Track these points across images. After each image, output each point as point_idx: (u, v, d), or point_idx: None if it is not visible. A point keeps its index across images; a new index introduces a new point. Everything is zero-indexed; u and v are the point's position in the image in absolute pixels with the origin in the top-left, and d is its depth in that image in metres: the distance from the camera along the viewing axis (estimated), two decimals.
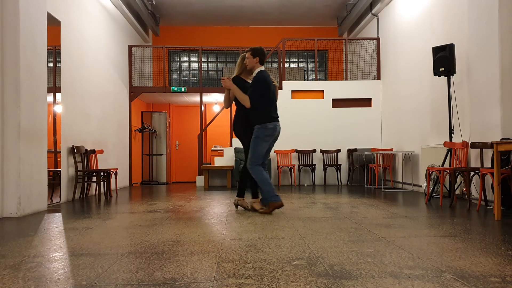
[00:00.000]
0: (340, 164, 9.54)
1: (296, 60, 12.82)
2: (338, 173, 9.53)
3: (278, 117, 4.81)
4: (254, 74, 4.79)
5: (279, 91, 9.69)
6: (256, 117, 4.70)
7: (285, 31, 12.47)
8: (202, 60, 12.44)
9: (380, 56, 9.76)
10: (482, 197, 4.85)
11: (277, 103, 4.96)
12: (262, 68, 4.79)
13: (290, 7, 11.05)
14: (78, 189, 6.80)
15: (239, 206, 5.09)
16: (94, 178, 7.00)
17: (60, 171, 6.38)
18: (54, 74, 6.40)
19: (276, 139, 4.87)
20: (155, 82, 11.55)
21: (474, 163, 5.60)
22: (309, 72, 12.64)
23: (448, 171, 5.36)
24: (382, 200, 5.94)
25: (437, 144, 6.63)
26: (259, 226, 3.77)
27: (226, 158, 9.75)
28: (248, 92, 4.71)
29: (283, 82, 9.82)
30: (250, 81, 4.86)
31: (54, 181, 6.26)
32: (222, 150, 10.34)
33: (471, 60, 5.54)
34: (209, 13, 11.40)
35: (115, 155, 9.08)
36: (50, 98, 6.06)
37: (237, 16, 11.67)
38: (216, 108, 12.38)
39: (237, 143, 9.72)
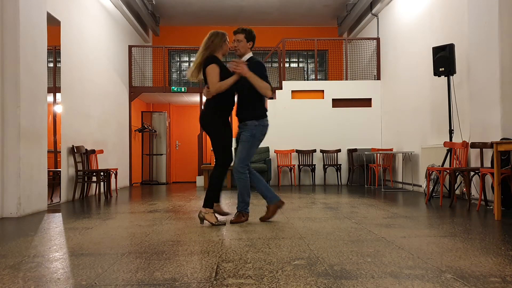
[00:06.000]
0: (340, 164, 9.54)
1: (296, 60, 12.81)
2: (338, 173, 9.53)
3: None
4: (244, 59, 4.02)
5: (280, 91, 9.69)
6: (254, 112, 3.97)
7: (285, 31, 12.46)
8: None
9: (380, 56, 9.76)
10: (482, 197, 4.85)
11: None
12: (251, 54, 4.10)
13: (290, 7, 11.04)
14: (78, 189, 6.79)
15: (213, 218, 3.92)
16: (94, 178, 7.00)
17: (60, 171, 6.38)
18: (54, 74, 6.40)
19: None
20: (155, 82, 11.54)
21: (474, 163, 5.60)
22: (309, 72, 12.63)
23: (448, 171, 5.36)
24: (382, 200, 5.94)
25: (437, 144, 6.63)
26: (259, 226, 3.77)
27: None
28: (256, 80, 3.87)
29: (283, 82, 9.79)
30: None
31: (54, 181, 6.27)
32: None
33: (471, 60, 5.54)
34: (209, 13, 11.40)
35: (115, 155, 9.07)
36: (50, 98, 6.06)
37: (237, 16, 11.66)
38: None
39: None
